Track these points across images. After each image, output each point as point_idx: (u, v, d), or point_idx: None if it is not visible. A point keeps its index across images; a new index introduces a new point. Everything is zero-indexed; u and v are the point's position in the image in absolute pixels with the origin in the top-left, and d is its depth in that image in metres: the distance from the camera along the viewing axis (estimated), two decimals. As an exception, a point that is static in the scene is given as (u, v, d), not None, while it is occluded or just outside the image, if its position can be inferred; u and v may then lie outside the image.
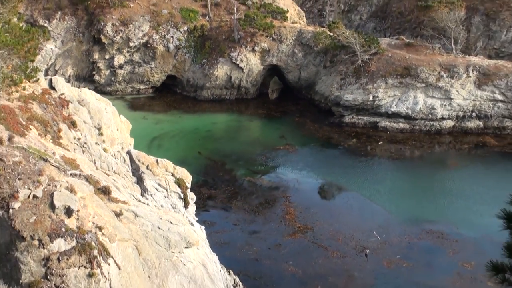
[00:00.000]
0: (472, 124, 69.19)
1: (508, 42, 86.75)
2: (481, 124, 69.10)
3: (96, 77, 78.76)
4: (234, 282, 36.98)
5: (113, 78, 79.55)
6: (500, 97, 68.42)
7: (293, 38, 79.57)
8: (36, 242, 23.61)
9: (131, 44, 78.58)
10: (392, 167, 62.94)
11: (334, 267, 43.05)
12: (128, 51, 79.05)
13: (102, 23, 77.97)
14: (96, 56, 79.26)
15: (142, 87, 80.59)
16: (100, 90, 61.79)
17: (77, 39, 79.88)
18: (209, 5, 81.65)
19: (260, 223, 49.85)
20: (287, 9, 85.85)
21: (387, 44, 75.72)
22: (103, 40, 78.06)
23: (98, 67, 79.30)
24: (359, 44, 72.19)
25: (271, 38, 79.09)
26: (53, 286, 23.19)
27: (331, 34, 77.01)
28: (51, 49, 75.40)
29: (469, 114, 69.19)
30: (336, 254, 44.68)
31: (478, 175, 59.96)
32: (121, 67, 79.40)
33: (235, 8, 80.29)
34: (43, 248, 23.71)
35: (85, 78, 77.83)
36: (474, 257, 44.27)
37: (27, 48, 33.49)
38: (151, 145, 60.34)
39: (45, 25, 74.80)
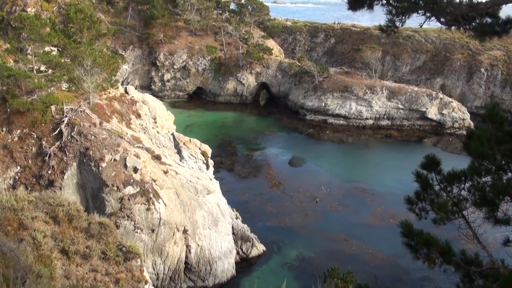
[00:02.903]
0: (384, 122, 69.12)
1: (407, 73, 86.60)
2: (389, 122, 69.02)
3: (153, 87, 78.49)
4: (236, 216, 37.23)
5: (163, 88, 79.24)
6: (401, 106, 68.37)
7: (275, 66, 79.24)
8: (115, 188, 23.84)
9: (175, 66, 78.27)
10: (335, 147, 62.97)
11: (296, 208, 43.19)
12: (173, 71, 78.68)
13: (157, 53, 77.67)
14: (153, 73, 79.00)
15: (181, 94, 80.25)
16: (155, 95, 61.29)
17: (142, 63, 79.58)
18: (224, 44, 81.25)
19: (251, 180, 49.96)
20: (272, 48, 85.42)
21: (334, 71, 75.41)
22: (158, 64, 77.80)
23: (154, 80, 79.01)
24: (317, 70, 71.98)
25: (262, 65, 78.78)
26: (125, 215, 23.47)
27: (299, 64, 76.70)
28: (126, 68, 75.02)
29: (382, 116, 69.09)
30: (298, 200, 44.82)
31: (386, 153, 60.09)
32: (168, 81, 79.10)
33: (240, 46, 79.98)
34: (119, 191, 23.94)
35: (146, 87, 77.44)
36: (383, 203, 44.68)
37: (112, 68, 33.57)
38: (185, 130, 60.08)
39: (122, 53, 74.38)
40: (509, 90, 76.18)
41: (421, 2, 8.74)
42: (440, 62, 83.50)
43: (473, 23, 9.33)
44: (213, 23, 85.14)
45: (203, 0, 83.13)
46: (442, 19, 9.35)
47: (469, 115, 68.41)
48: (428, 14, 9.26)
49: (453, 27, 9.75)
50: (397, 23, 9.27)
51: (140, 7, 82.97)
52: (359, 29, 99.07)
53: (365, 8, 8.95)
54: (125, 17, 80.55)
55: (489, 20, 9.14)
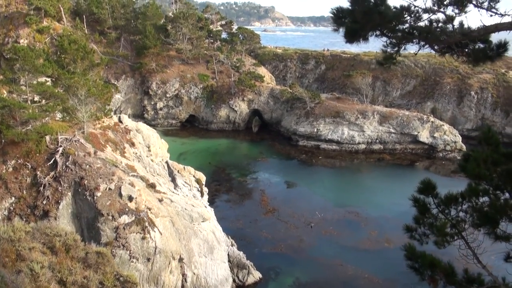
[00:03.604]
0: (376, 146, 69.46)
1: (397, 97, 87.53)
2: (381, 147, 69.38)
3: (145, 115, 78.69)
4: (231, 243, 37.00)
5: (156, 116, 79.41)
6: (393, 130, 68.83)
7: (267, 93, 79.71)
8: (110, 217, 23.68)
9: (167, 95, 78.58)
10: (328, 172, 62.96)
11: (291, 234, 42.97)
12: (165, 99, 78.98)
13: (150, 82, 78.04)
14: (145, 102, 79.24)
15: (173, 122, 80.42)
16: (147, 123, 61.16)
17: (134, 92, 79.86)
18: (216, 72, 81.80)
19: (245, 206, 49.81)
20: (264, 75, 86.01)
21: (325, 97, 75.95)
22: (150, 93, 78.14)
23: (147, 109, 79.23)
24: (308, 97, 72.49)
25: (254, 92, 79.22)
26: (120, 245, 23.27)
27: (291, 90, 77.22)
28: (118, 97, 75.29)
29: (374, 140, 69.45)
30: (292, 226, 44.64)
31: (379, 177, 60.23)
32: (161, 109, 79.31)
33: (232, 74, 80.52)
34: (114, 221, 23.78)
35: (139, 116, 77.57)
36: (376, 228, 44.65)
37: (106, 97, 33.67)
38: (179, 157, 60.12)
39: (115, 82, 74.73)
40: (500, 112, 77.11)
41: (415, 32, 8.93)
42: (430, 86, 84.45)
43: (466, 49, 9.53)
44: (205, 51, 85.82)
45: (194, 29, 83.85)
46: (435, 47, 9.54)
47: (460, 137, 68.94)
48: (422, 43, 9.47)
49: (446, 54, 9.97)
50: (394, 55, 9.46)
51: (132, 37, 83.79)
52: (349, 55, 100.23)
53: (361, 41, 9.16)
54: (117, 47, 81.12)
55: (481, 45, 9.34)
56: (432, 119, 69.22)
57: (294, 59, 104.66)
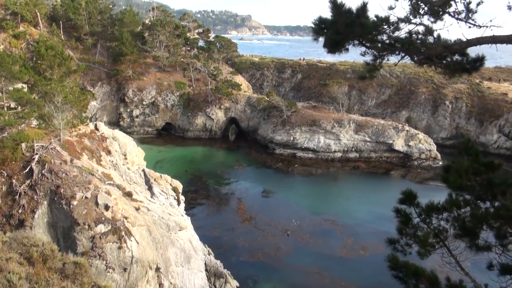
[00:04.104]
0: (352, 155, 69.98)
1: (373, 106, 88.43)
2: (357, 155, 69.92)
3: (121, 123, 77.96)
4: (208, 252, 36.79)
5: (132, 124, 78.77)
6: (368, 139, 69.46)
7: (244, 101, 79.82)
8: (86, 227, 23.33)
9: (144, 102, 78.06)
10: (304, 180, 63.23)
11: (268, 242, 42.95)
12: (141, 107, 78.43)
13: (126, 89, 77.43)
14: (121, 109, 78.53)
15: (150, 129, 79.88)
16: (123, 131, 60.25)
17: (110, 99, 79.16)
18: (193, 80, 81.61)
19: (222, 214, 49.72)
20: (241, 83, 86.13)
21: (302, 106, 76.31)
22: (126, 100, 77.46)
23: (123, 116, 78.56)
24: (285, 105, 72.78)
25: (231, 100, 79.23)
26: (97, 254, 22.92)
27: (268, 99, 77.40)
28: (94, 105, 74.55)
29: (350, 149, 69.97)
30: (269, 234, 44.63)
31: (355, 185, 60.73)
32: (137, 116, 78.73)
33: (209, 82, 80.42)
34: (91, 230, 23.44)
35: (114, 123, 76.78)
36: (352, 235, 45.08)
37: (82, 104, 33.26)
38: (155, 165, 59.62)
39: (91, 89, 74.01)
40: (474, 121, 78.60)
41: (397, 44, 9.03)
42: (405, 95, 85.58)
43: (444, 61, 9.66)
44: (182, 59, 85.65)
45: (171, 37, 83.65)
46: (415, 58, 9.66)
47: (435, 146, 70.07)
48: (402, 54, 9.59)
49: (424, 65, 10.11)
50: (378, 66, 9.57)
51: (109, 44, 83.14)
52: (325, 64, 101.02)
53: (342, 51, 9.27)
54: (93, 53, 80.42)
55: (459, 58, 9.48)
56: (407, 128, 70.10)
57: (270, 68, 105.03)
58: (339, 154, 69.91)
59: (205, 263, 33.95)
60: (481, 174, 9.31)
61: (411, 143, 68.76)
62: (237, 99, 79.81)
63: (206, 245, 37.49)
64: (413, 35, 9.54)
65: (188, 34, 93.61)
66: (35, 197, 23.97)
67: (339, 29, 8.83)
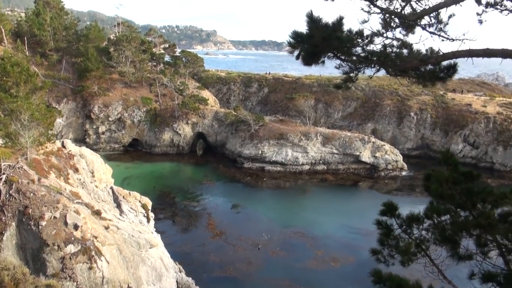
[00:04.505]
0: (320, 167, 70.49)
1: (339, 119, 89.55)
2: (325, 167, 70.47)
3: (87, 140, 76.70)
4: (179, 269, 36.35)
5: (98, 140, 77.61)
6: (335, 151, 70.13)
7: (212, 115, 79.70)
8: (56, 247, 22.79)
9: (110, 118, 77.07)
10: (273, 193, 63.25)
11: (239, 257, 42.69)
12: (108, 123, 77.40)
13: (92, 105, 76.30)
14: (87, 126, 77.33)
15: (116, 146, 78.82)
16: (89, 148, 59.28)
17: (76, 116, 77.87)
18: (159, 95, 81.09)
19: (192, 230, 49.22)
20: (208, 98, 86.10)
21: (269, 119, 76.64)
22: (92, 116, 76.30)
23: (89, 133, 77.32)
24: (252, 119, 72.94)
25: (198, 115, 78.99)
26: (67, 276, 22.40)
27: (235, 113, 77.47)
28: (60, 122, 73.14)
29: (318, 161, 70.49)
30: (240, 248, 44.41)
31: (322, 198, 61.01)
32: (103, 133, 77.61)
33: (175, 97, 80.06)
34: (60, 251, 22.91)
35: (80, 140, 75.47)
36: (322, 247, 45.29)
37: (49, 122, 32.60)
38: (123, 182, 58.76)
39: (56, 106, 72.69)
40: (439, 132, 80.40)
41: (373, 57, 9.16)
42: (371, 108, 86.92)
43: (417, 72, 9.83)
44: (148, 75, 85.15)
45: (137, 52, 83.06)
46: (390, 71, 9.82)
47: (401, 156, 71.29)
48: (377, 67, 9.73)
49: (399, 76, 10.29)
50: (353, 78, 9.73)
51: (74, 59, 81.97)
52: (290, 78, 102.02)
53: (319, 63, 9.39)
54: (59, 69, 79.19)
55: (431, 67, 9.66)
56: (373, 139, 71.07)
57: (237, 82, 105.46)
58: (307, 167, 70.30)
59: (176, 281, 33.51)
60: (460, 183, 9.52)
61: (377, 154, 69.69)
62: (205, 114, 79.62)
63: (177, 262, 36.99)
64: (388, 48, 9.71)
65: (154, 49, 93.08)
66: (3, 218, 23.30)
67: (316, 42, 8.94)
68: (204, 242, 45.81)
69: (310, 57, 9.20)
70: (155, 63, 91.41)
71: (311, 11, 8.94)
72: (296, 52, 9.40)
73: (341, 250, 44.71)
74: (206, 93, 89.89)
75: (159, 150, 78.39)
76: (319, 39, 8.88)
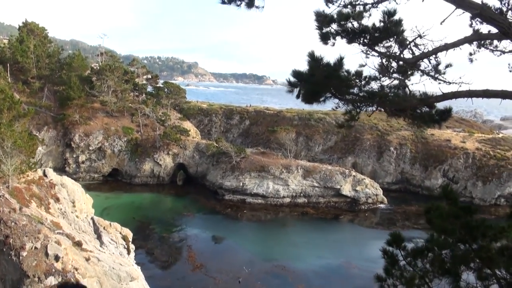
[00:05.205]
0: (300, 200, 70.32)
1: (319, 153, 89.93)
2: (306, 200, 70.33)
3: (67, 169, 75.60)
4: (160, 302, 35.60)
5: (77, 170, 76.58)
6: (316, 184, 70.15)
7: (193, 147, 79.45)
8: (36, 279, 22.10)
9: (90, 148, 76.28)
10: (254, 226, 62.78)
11: (220, 290, 42.13)
12: (88, 152, 76.58)
13: (73, 134, 75.51)
14: (67, 155, 76.35)
15: (96, 175, 77.85)
16: (69, 177, 58.33)
17: (56, 144, 76.87)
18: (141, 125, 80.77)
19: (172, 263, 48.31)
20: (190, 129, 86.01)
21: (250, 152, 76.64)
22: (73, 145, 75.46)
23: (68, 162, 76.29)
24: (234, 151, 72.84)
25: (179, 146, 78.67)
26: (47, 308, 21.67)
27: (217, 145, 77.37)
28: (40, 150, 71.97)
29: (299, 194, 70.37)
30: (221, 281, 43.70)
31: (303, 231, 60.64)
32: (83, 162, 76.66)
33: (157, 128, 79.77)
34: (41, 282, 22.22)
35: (60, 169, 74.21)
36: (304, 281, 44.90)
37: (31, 150, 32.09)
38: (102, 213, 57.74)
39: (37, 134, 71.69)
40: (419, 166, 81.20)
41: (374, 97, 9.23)
42: (351, 142, 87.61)
43: (415, 113, 9.91)
44: (130, 104, 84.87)
45: (120, 82, 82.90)
46: (388, 110, 9.89)
47: (381, 190, 71.61)
48: (376, 106, 9.81)
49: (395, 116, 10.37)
50: (355, 116, 9.82)
51: (56, 87, 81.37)
52: (272, 111, 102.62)
53: (320, 102, 9.47)
54: (40, 97, 78.44)
55: (428, 109, 9.77)
56: (353, 173, 71.39)
57: (219, 114, 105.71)
58: (288, 199, 70.09)
59: (157, 315, 32.73)
60: (460, 217, 9.58)
61: (358, 188, 69.91)
62: (186, 145, 79.33)
63: (157, 295, 36.26)
64: (386, 89, 9.79)
65: (136, 79, 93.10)
66: (-18, 248, 22.64)
67: (317, 81, 8.99)
68: (184, 275, 45.01)
69: (312, 96, 9.30)
70: (137, 93, 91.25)
71: (313, 51, 9.04)
72: (296, 91, 9.47)
73: (323, 284, 44.34)
74: (187, 124, 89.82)
75: (139, 180, 77.58)
76: (320, 78, 8.95)
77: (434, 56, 9.57)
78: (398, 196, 77.46)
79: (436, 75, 9.90)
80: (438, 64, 9.90)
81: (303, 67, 9.22)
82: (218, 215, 65.19)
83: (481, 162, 75.81)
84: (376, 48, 9.87)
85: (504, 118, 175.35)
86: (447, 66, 9.89)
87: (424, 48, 9.61)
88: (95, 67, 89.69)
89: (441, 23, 8.95)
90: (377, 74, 9.91)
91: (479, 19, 9.44)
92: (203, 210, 67.07)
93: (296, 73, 9.25)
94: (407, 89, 9.62)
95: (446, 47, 9.16)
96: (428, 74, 9.98)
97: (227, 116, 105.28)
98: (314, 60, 9.02)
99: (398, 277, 10.68)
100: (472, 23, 10.15)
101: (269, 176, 70.11)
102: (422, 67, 9.99)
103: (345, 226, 63.96)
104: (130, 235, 40.17)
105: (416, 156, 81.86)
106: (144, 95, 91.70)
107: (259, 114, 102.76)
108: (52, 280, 22.63)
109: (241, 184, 70.06)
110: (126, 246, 38.51)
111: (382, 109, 10.01)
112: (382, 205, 70.57)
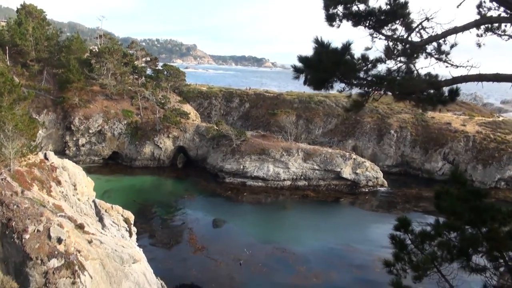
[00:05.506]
0: (301, 183, 70.44)
1: (320, 135, 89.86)
2: (306, 183, 70.46)
3: (67, 152, 75.55)
4: (161, 285, 35.75)
5: (78, 153, 76.54)
6: (317, 167, 70.20)
7: (193, 130, 79.34)
8: (39, 261, 22.17)
9: (90, 131, 76.18)
10: (254, 208, 62.89)
11: (221, 272, 42.24)
12: (88, 135, 76.48)
13: (72, 117, 75.37)
14: (67, 138, 76.29)
15: (96, 158, 77.90)
16: (69, 160, 58.39)
17: (56, 127, 76.74)
18: (141, 108, 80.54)
19: (174, 245, 48.50)
20: (189, 112, 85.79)
21: (251, 135, 76.59)
22: (72, 128, 75.35)
23: (68, 145, 76.25)
24: (234, 134, 72.75)
25: (179, 129, 78.56)
26: (50, 291, 21.76)
27: (217, 128, 77.28)
28: (40, 133, 71.89)
29: (299, 177, 70.46)
30: (222, 263, 43.95)
31: (304, 214, 60.79)
32: (83, 145, 76.61)
33: (157, 111, 79.56)
34: (44, 265, 22.28)
35: (60, 152, 74.12)
36: (304, 263, 45.08)
37: (32, 133, 32.00)
38: (103, 195, 57.71)
39: (36, 117, 71.47)
40: (419, 149, 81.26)
41: (383, 81, 9.14)
42: (351, 125, 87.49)
43: (423, 95, 9.83)
44: (129, 87, 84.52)
45: (119, 65, 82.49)
46: (397, 94, 9.81)
47: (382, 173, 71.65)
48: (385, 90, 9.74)
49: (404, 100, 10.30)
50: (364, 101, 9.75)
51: (55, 70, 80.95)
52: (272, 94, 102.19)
53: (328, 88, 9.42)
54: (39, 80, 78.05)
55: (433, 91, 9.68)
56: (354, 156, 71.39)
57: (218, 97, 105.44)
58: (288, 182, 70.20)
59: (159, 297, 32.92)
60: (469, 201, 9.54)
61: (358, 171, 69.99)
62: (186, 128, 79.22)
63: (159, 278, 36.36)
64: (394, 73, 9.70)
65: (135, 62, 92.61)
66: (-15, 231, 22.66)
67: (326, 67, 8.91)
68: (186, 257, 45.24)
69: (321, 83, 9.23)
70: (136, 76, 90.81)
71: (319, 37, 8.94)
72: (302, 77, 9.40)
73: (323, 266, 44.52)
74: (187, 107, 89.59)
75: (139, 163, 77.61)
76: (329, 65, 8.87)
77: (443, 39, 9.45)
78: (398, 179, 77.62)
79: (441, 57, 9.80)
80: (440, 45, 9.80)
81: (305, 50, 9.15)
82: (218, 197, 65.34)
83: (481, 145, 75.81)
84: (383, 31, 9.75)
85: (504, 101, 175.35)
86: (452, 46, 9.77)
87: (433, 32, 9.49)
88: (94, 50, 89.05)
89: (457, 7, 8.86)
90: (383, 56, 9.81)
91: (491, 3, 9.33)
92: (204, 193, 67.19)
93: (302, 59, 9.16)
94: (415, 72, 9.51)
95: (455, 30, 9.04)
96: (433, 55, 9.88)
97: (227, 99, 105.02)
98: (321, 45, 8.91)
99: (406, 261, 10.69)
100: (480, 6, 10.05)
101: (269, 159, 70.12)
102: (428, 50, 9.88)
103: (346, 209, 64.15)
104: (131, 217, 40.19)
105: (417, 139, 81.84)
106: (143, 78, 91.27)
107: (259, 97, 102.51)
108: (55, 263, 22.70)
109: (241, 167, 70.11)
110: (128, 229, 38.58)
111: (390, 93, 9.94)
112: (382, 188, 70.76)
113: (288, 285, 40.81)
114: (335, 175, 70.35)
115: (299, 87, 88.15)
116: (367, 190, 69.86)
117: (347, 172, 69.90)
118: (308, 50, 9.09)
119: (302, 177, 70.52)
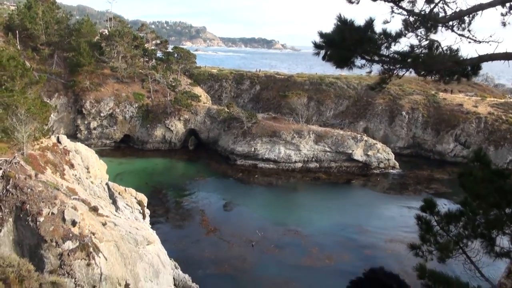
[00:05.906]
0: (312, 165, 70.30)
1: (331, 117, 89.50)
2: (317, 165, 70.30)
3: (79, 135, 75.86)
4: (175, 265, 35.96)
5: (89, 136, 76.82)
6: (328, 149, 69.96)
7: (204, 112, 79.24)
8: (54, 244, 22.29)
9: (102, 114, 76.32)
10: (266, 191, 62.87)
11: (234, 253, 42.37)
12: (99, 119, 76.66)
13: (84, 101, 75.50)
14: (79, 121, 76.56)
15: (108, 142, 78.16)
16: (81, 143, 58.70)
17: (67, 111, 76.98)
18: (151, 91, 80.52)
19: (186, 227, 48.75)
20: (200, 95, 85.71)
21: (262, 117, 76.34)
22: (84, 112, 75.55)
23: (80, 128, 76.53)
24: (245, 116, 72.57)
25: (190, 112, 78.47)
26: (65, 272, 21.88)
27: (228, 110, 77.10)
28: (51, 117, 72.09)
29: (310, 159, 70.31)
30: (235, 245, 44.09)
31: (315, 196, 60.79)
32: (94, 129, 76.86)
33: (168, 93, 79.45)
34: (58, 247, 22.41)
35: (72, 135, 74.29)
36: (317, 245, 45.05)
37: (44, 116, 32.02)
38: (116, 178, 58.02)
39: (47, 101, 71.60)
40: (431, 131, 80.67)
41: (408, 59, 8.93)
42: (363, 106, 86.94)
43: (447, 71, 9.59)
44: (140, 70, 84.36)
45: (129, 47, 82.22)
46: (420, 71, 9.59)
47: (393, 155, 71.30)
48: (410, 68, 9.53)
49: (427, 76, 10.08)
50: (387, 79, 9.56)
51: (66, 54, 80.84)
52: (282, 76, 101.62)
53: (350, 66, 9.25)
54: (50, 64, 78.02)
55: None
56: (365, 138, 71.01)
57: (229, 79, 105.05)
58: (299, 164, 70.07)
59: (173, 278, 33.09)
60: (494, 182, 9.35)
61: (370, 153, 69.68)
62: (197, 111, 79.11)
63: (172, 259, 36.58)
64: (416, 49, 9.46)
65: (146, 45, 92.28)
66: (0, 214, 22.73)
67: (349, 45, 8.72)
68: (199, 238, 45.42)
69: (344, 61, 9.05)
70: (147, 59, 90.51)
71: (342, 14, 8.71)
72: (322, 52, 9.18)
73: (335, 248, 44.53)
74: (198, 90, 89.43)
75: (151, 146, 77.79)
76: (352, 42, 8.67)
77: (468, 16, 9.18)
78: (409, 161, 77.26)
79: (464, 33, 9.52)
80: (464, 21, 9.53)
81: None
82: (230, 180, 65.43)
83: (493, 127, 75.07)
84: (403, 4, 9.49)
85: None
86: (470, 21, 9.50)
87: (456, 8, 9.22)
88: (104, 33, 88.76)
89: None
90: (402, 29, 9.56)
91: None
92: (215, 175, 67.30)
93: (323, 35, 8.93)
94: (440, 48, 9.26)
95: (481, 7, 8.77)
96: (455, 31, 9.60)
97: (237, 81, 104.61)
98: (343, 23, 8.67)
99: (432, 242, 10.56)
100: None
101: (280, 141, 69.94)
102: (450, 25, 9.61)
103: (357, 191, 63.97)
104: (145, 200, 40.38)
105: (428, 121, 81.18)
106: (154, 60, 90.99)
107: (269, 79, 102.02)
108: (69, 245, 22.82)
109: (252, 149, 70.02)
110: (141, 211, 38.77)
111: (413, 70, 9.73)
112: (393, 170, 70.46)
113: (300, 266, 40.87)
114: (347, 157, 70.07)
115: (309, 69, 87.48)
116: (378, 172, 69.61)
117: (358, 154, 69.59)
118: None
119: (313, 159, 70.34)
